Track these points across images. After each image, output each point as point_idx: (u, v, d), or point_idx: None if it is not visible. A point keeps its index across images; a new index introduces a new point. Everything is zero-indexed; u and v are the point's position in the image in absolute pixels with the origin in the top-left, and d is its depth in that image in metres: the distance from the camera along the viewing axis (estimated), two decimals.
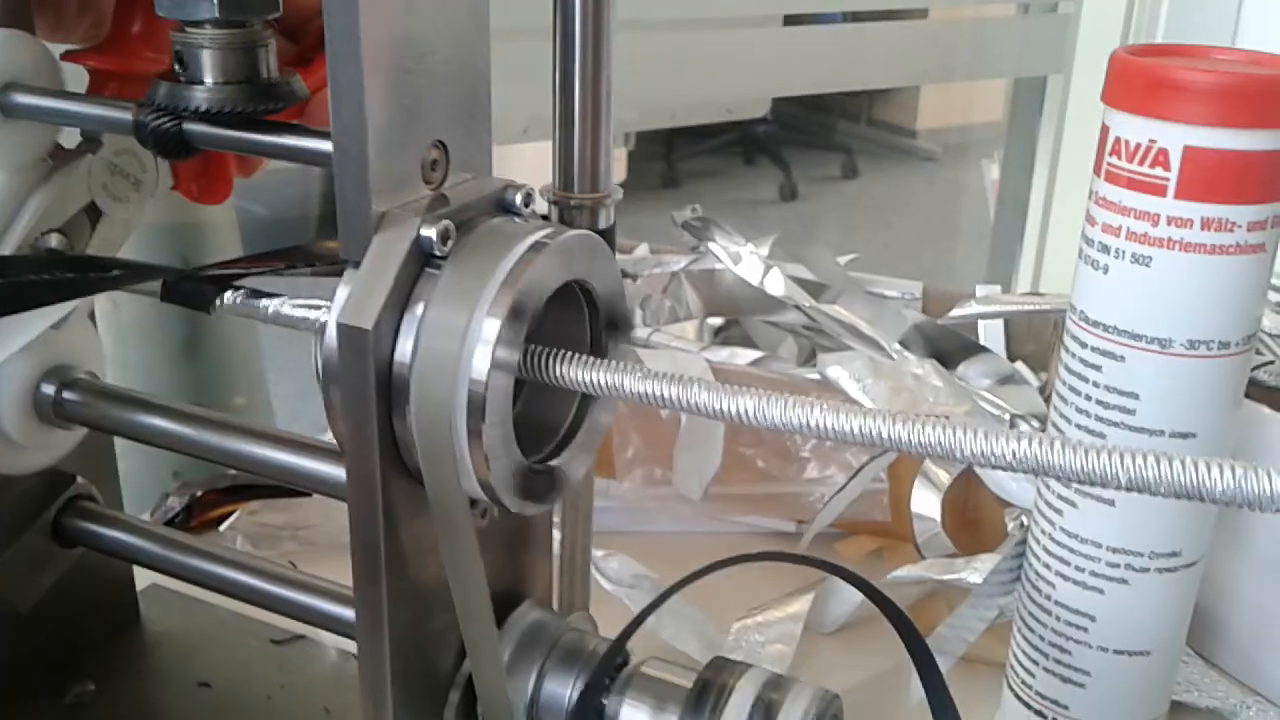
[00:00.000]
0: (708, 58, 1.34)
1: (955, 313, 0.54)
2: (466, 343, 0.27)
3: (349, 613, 0.36)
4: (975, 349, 0.55)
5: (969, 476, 0.47)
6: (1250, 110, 0.32)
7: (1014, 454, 0.23)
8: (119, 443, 0.43)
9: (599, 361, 0.28)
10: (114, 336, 1.02)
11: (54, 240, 0.37)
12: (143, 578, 0.48)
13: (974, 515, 0.49)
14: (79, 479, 0.42)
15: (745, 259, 0.56)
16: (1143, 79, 0.34)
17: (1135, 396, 0.36)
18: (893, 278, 0.62)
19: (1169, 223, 0.34)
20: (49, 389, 0.38)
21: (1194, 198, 0.33)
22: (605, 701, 0.33)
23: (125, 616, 0.47)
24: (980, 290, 0.59)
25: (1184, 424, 0.36)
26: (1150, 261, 0.34)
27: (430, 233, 0.27)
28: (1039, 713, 0.41)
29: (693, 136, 3.93)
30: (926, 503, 0.48)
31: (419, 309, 0.28)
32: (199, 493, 0.54)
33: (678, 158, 3.92)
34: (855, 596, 0.48)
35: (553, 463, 0.31)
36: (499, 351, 0.27)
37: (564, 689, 0.33)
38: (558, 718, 0.33)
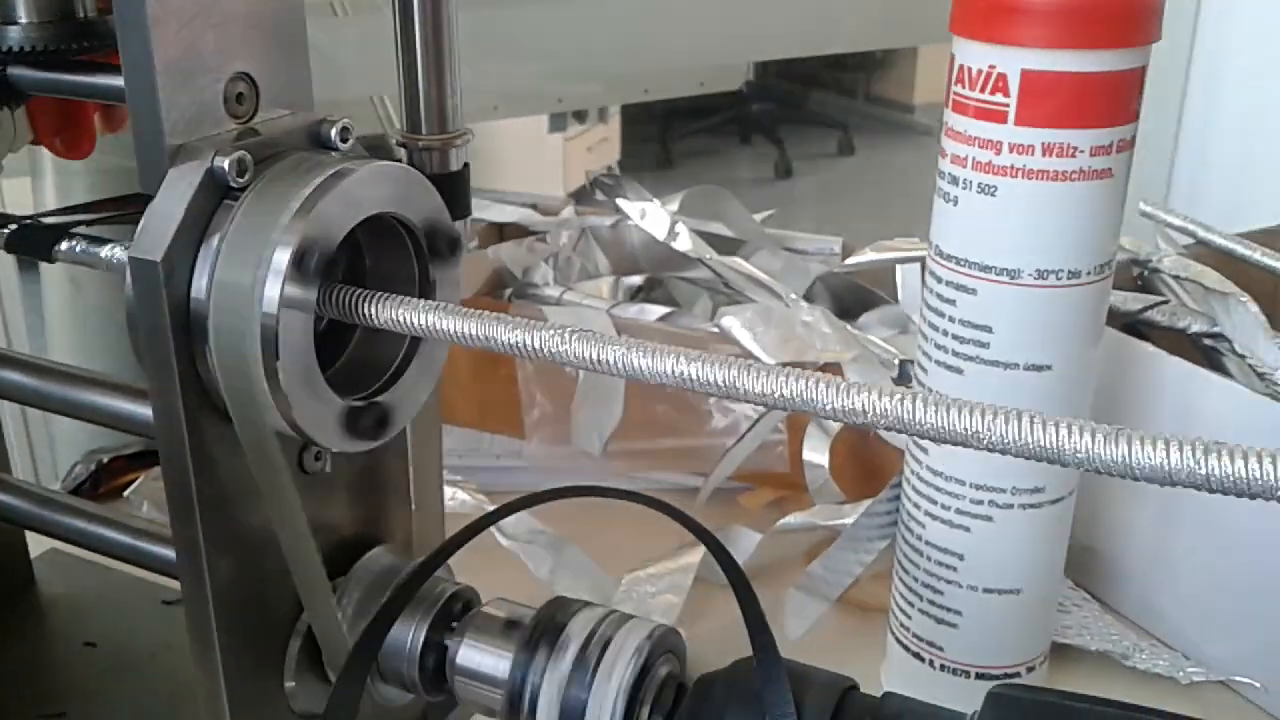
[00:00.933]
0: (674, 23, 1.32)
1: (850, 260, 0.53)
2: (258, 275, 0.27)
3: None
4: (877, 300, 0.54)
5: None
6: (1086, 31, 0.32)
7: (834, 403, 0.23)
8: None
9: (403, 299, 0.28)
10: (74, 319, 1.02)
11: None
12: (42, 543, 0.48)
13: (874, 463, 0.48)
14: None
15: (652, 214, 0.56)
16: (983, 3, 0.33)
17: (989, 329, 0.35)
18: (811, 235, 0.62)
19: (1011, 150, 0.33)
20: None
21: (1034, 123, 0.33)
22: (448, 642, 0.33)
23: (18, 580, 0.47)
24: (900, 241, 0.59)
25: (1038, 356, 0.35)
26: (995, 191, 0.34)
27: (224, 163, 0.27)
28: (916, 655, 0.40)
29: (687, 116, 3.91)
30: (818, 451, 0.47)
31: (215, 241, 0.27)
32: (105, 459, 0.54)
33: (672, 138, 3.90)
34: (749, 547, 0.47)
35: (379, 399, 0.31)
36: (290, 285, 0.27)
37: (406, 632, 0.33)
38: (399, 661, 0.33)
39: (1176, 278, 0.48)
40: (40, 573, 0.48)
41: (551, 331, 0.26)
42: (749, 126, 4.03)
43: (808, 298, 0.54)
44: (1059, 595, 0.41)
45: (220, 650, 0.31)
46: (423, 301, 0.28)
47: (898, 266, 0.54)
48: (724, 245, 0.61)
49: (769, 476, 0.51)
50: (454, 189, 0.37)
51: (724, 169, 3.89)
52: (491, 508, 0.50)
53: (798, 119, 4.07)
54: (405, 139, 0.36)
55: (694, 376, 0.24)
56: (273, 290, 0.26)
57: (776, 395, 0.24)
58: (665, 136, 3.91)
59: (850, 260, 0.53)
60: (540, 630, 0.31)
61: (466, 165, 0.38)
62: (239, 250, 0.27)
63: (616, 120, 3.53)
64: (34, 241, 0.34)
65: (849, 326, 0.49)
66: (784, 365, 0.49)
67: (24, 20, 0.31)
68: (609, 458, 0.52)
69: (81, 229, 0.34)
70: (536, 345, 0.26)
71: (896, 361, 0.47)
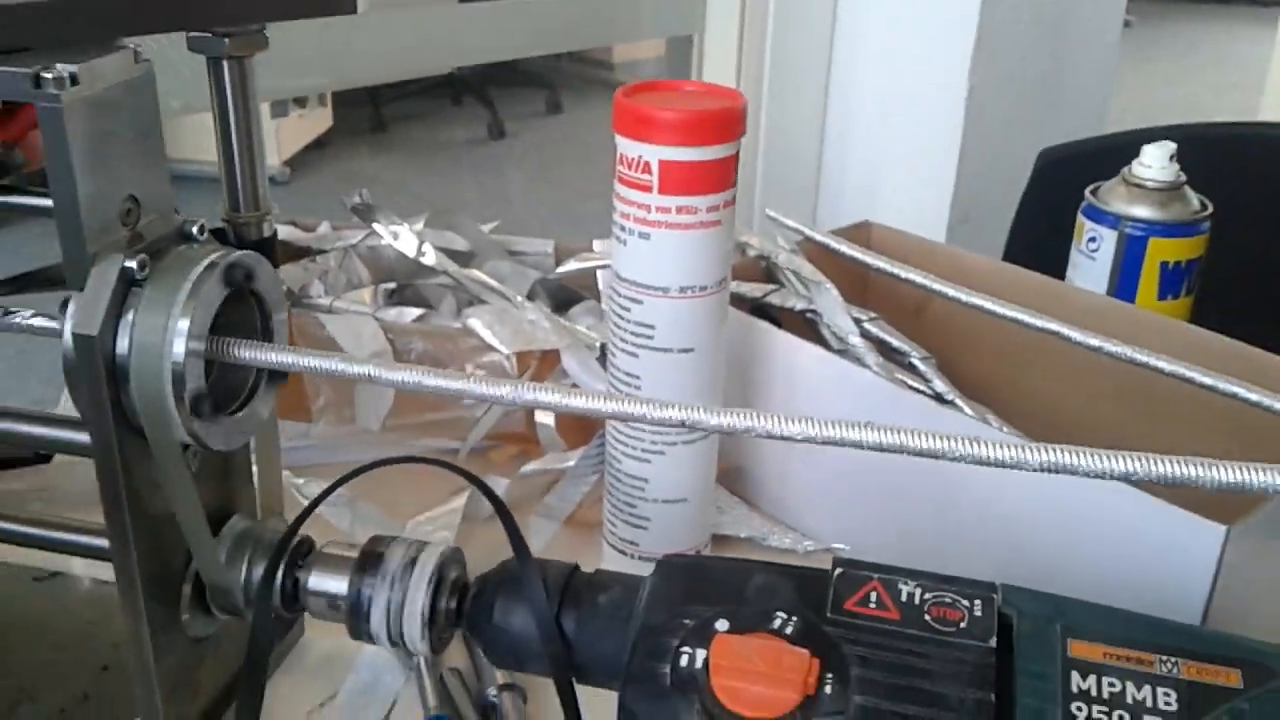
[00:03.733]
0: (388, 37, 1.42)
1: (560, 269, 0.70)
2: (166, 337, 0.40)
3: (101, 541, 0.48)
4: (581, 297, 0.71)
5: None
6: (698, 134, 0.49)
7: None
8: None
9: (261, 344, 0.42)
10: None
11: None
12: None
13: (586, 420, 0.65)
14: None
15: (403, 235, 0.70)
16: (632, 115, 0.50)
17: (652, 327, 0.52)
18: (529, 238, 0.78)
19: (656, 210, 0.50)
20: None
21: (670, 193, 0.50)
22: (299, 576, 0.47)
23: None
24: (597, 245, 0.76)
25: (685, 343, 0.53)
26: (650, 236, 0.51)
27: (132, 264, 0.40)
28: (622, 551, 0.58)
29: (396, 81, 3.96)
30: (545, 415, 0.64)
31: (130, 316, 0.40)
32: None
33: (384, 101, 3.96)
34: (500, 490, 0.63)
35: (241, 413, 0.45)
36: (190, 341, 0.40)
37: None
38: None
39: (788, 269, 0.67)
40: None
41: (347, 361, 0.40)
42: (459, 88, 4.13)
43: (530, 296, 0.70)
44: (715, 501, 0.60)
45: (143, 597, 0.44)
46: (270, 345, 0.42)
47: (598, 272, 0.71)
48: (460, 254, 0.76)
49: (512, 435, 0.67)
50: (267, 249, 0.50)
51: (441, 130, 3.98)
52: (298, 480, 0.64)
53: (506, 80, 4.20)
54: (229, 217, 0.50)
55: (445, 387, 0.40)
56: (179, 347, 0.40)
57: (509, 399, 0.39)
58: (376, 100, 3.95)
59: (560, 269, 0.70)
60: (367, 558, 0.46)
61: (275, 233, 0.51)
62: (151, 322, 0.40)
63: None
64: None
65: (562, 320, 0.66)
66: (517, 354, 0.65)
67: None
68: (387, 431, 0.66)
69: None
70: (338, 370, 0.40)
71: (598, 345, 0.64)
